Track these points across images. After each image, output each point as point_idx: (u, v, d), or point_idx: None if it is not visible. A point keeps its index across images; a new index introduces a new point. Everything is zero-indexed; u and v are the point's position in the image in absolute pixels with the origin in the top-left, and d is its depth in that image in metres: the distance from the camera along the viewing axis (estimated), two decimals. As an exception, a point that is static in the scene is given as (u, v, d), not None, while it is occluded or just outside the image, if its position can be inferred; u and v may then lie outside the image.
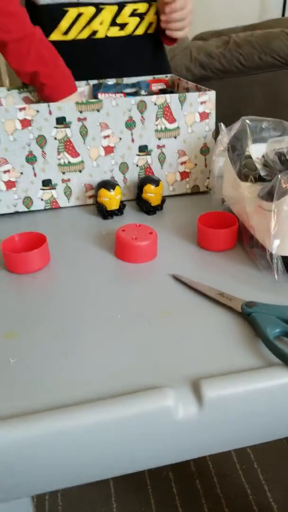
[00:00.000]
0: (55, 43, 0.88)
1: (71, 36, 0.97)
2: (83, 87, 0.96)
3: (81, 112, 0.74)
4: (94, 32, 0.98)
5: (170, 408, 0.42)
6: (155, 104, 0.76)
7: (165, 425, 0.43)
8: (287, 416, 0.47)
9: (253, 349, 0.48)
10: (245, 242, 0.65)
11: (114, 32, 0.99)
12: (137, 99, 0.75)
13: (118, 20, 0.98)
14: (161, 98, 0.76)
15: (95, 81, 0.96)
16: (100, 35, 0.98)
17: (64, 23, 0.95)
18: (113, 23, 0.98)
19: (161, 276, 0.60)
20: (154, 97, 0.76)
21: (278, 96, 1.70)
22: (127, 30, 1.00)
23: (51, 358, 0.47)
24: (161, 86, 0.98)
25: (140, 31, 1.01)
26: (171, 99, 0.77)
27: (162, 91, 0.93)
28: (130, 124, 0.77)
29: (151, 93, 0.97)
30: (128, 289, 0.58)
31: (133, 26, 1.00)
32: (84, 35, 0.97)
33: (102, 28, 0.97)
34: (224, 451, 0.48)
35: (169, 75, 1.00)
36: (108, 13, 0.96)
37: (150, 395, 0.43)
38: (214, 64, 1.70)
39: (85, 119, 0.75)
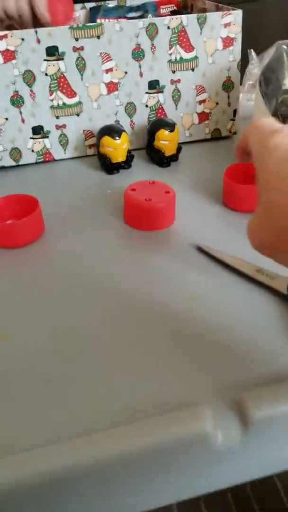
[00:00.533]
0: None
1: None
2: (78, 11, 0.80)
3: (77, 39, 0.59)
4: None
5: (208, 434, 0.32)
6: (169, 27, 0.61)
7: (200, 454, 0.33)
8: None
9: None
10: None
11: None
12: (146, 22, 0.60)
13: None
14: (175, 20, 0.61)
15: (92, 4, 0.79)
16: None
17: None
18: None
19: (181, 248, 0.48)
20: (167, 19, 0.61)
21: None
22: None
23: (52, 369, 0.37)
24: (171, 7, 0.82)
25: None
26: (188, 21, 0.61)
27: (174, 13, 0.77)
28: (138, 54, 0.62)
29: (160, 17, 0.81)
30: (142, 266, 0.46)
31: None
32: None
33: None
34: (266, 475, 0.39)
35: (180, -6, 0.83)
36: None
37: (181, 418, 0.32)
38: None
39: (81, 48, 0.60)
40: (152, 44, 0.62)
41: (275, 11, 1.52)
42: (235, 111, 0.69)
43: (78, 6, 0.79)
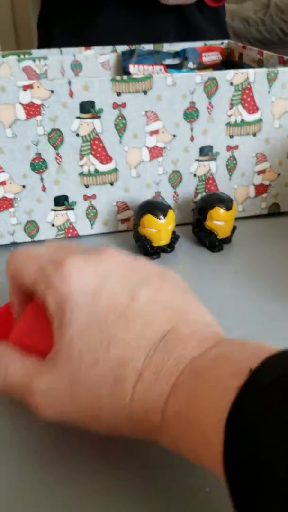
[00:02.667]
0: None
1: None
2: (108, 55, 0.68)
3: (119, 94, 0.47)
4: None
5: None
6: (232, 83, 0.50)
7: None
8: None
9: None
10: None
11: None
12: (206, 76, 0.48)
13: None
14: (241, 75, 0.49)
15: (125, 47, 0.68)
16: None
17: None
18: None
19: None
20: (231, 73, 0.49)
21: None
22: None
23: None
24: (215, 56, 0.71)
25: None
26: (256, 76, 0.50)
27: (224, 64, 0.66)
28: (191, 115, 0.50)
29: (202, 66, 0.70)
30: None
31: None
32: None
33: None
34: None
35: (225, 41, 0.72)
36: None
37: None
38: (251, 32, 1.41)
39: (124, 105, 0.48)
40: (210, 103, 0.50)
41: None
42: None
43: (108, 49, 0.68)
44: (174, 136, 0.51)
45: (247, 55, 0.67)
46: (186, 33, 0.77)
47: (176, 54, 0.70)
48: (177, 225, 0.56)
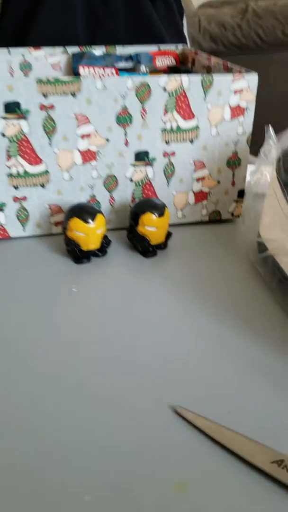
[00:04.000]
0: None
1: None
2: (58, 56, 0.67)
3: (45, 95, 0.46)
4: None
5: None
6: (165, 89, 0.49)
7: None
8: None
9: None
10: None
11: None
12: (138, 81, 0.48)
13: None
14: (174, 82, 0.49)
15: (76, 49, 0.67)
16: None
17: None
18: None
19: (154, 403, 0.34)
20: (163, 79, 0.48)
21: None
22: None
23: None
24: (169, 60, 0.70)
25: None
26: (190, 83, 0.49)
27: (172, 69, 0.65)
28: (124, 119, 0.49)
29: (154, 70, 0.69)
30: (99, 421, 0.31)
31: None
32: None
33: None
34: None
35: (180, 45, 0.72)
36: None
37: None
38: (228, 37, 1.41)
39: (51, 107, 0.47)
40: (143, 108, 0.49)
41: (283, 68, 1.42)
42: (241, 192, 0.56)
43: (58, 49, 0.67)
44: (108, 140, 0.50)
45: (198, 61, 0.66)
46: (138, 30, 0.76)
47: (129, 58, 0.69)
48: (114, 229, 0.56)
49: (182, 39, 0.85)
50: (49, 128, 0.48)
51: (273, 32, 1.40)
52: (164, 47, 0.71)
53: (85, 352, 0.38)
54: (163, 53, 0.70)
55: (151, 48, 0.70)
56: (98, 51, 0.68)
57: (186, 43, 0.87)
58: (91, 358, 0.37)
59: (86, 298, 0.45)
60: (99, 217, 0.48)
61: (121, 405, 0.33)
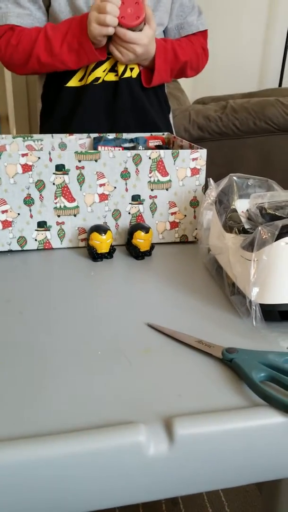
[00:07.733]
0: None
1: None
2: (84, 139, 1.02)
3: (79, 161, 0.79)
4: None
5: (141, 443, 0.43)
6: (150, 158, 0.82)
7: (136, 461, 0.44)
8: (263, 460, 0.47)
9: (235, 392, 0.49)
10: (227, 290, 0.68)
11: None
12: (133, 153, 0.81)
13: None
14: (155, 153, 0.81)
15: (96, 134, 1.02)
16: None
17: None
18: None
19: (136, 322, 0.62)
20: (148, 152, 0.81)
21: (269, 159, 1.79)
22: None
23: (22, 386, 0.49)
24: (157, 142, 1.04)
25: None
26: (165, 154, 0.82)
27: (158, 147, 0.99)
28: (125, 175, 0.82)
29: (147, 148, 1.03)
30: (107, 329, 0.60)
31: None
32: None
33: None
34: (196, 492, 0.49)
35: (165, 133, 1.06)
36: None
37: (122, 429, 0.44)
38: (211, 126, 1.80)
39: (83, 167, 0.79)
40: (137, 169, 0.82)
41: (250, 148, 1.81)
42: (198, 222, 0.87)
43: (84, 135, 1.01)
44: (115, 187, 0.82)
45: (176, 143, 1.00)
46: (141, 125, 1.12)
47: (131, 140, 1.04)
48: (116, 245, 0.86)
49: (169, 129, 1.21)
50: (81, 180, 0.80)
51: (247, 123, 1.80)
52: (155, 134, 1.05)
53: (98, 307, 0.67)
54: (154, 138, 1.05)
55: (146, 134, 1.05)
56: (110, 135, 1.02)
57: (172, 132, 1.23)
58: (103, 308, 0.67)
59: (99, 279, 0.74)
60: (108, 233, 0.79)
61: (121, 324, 0.62)
